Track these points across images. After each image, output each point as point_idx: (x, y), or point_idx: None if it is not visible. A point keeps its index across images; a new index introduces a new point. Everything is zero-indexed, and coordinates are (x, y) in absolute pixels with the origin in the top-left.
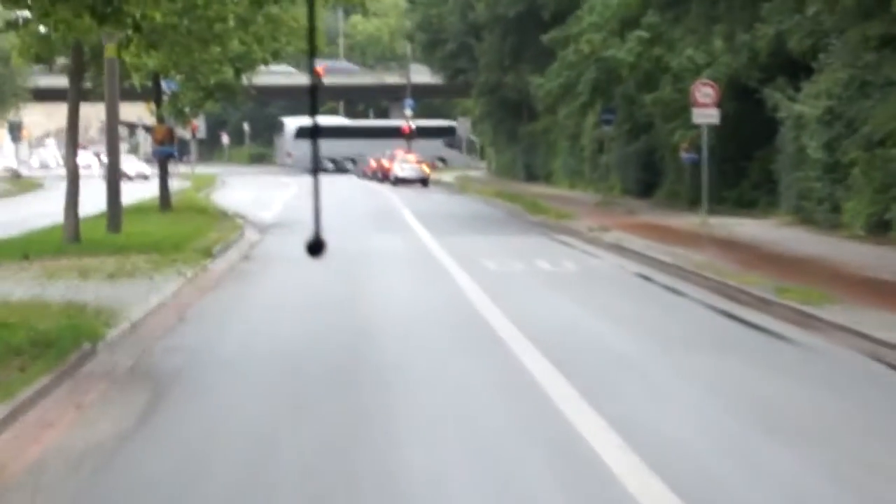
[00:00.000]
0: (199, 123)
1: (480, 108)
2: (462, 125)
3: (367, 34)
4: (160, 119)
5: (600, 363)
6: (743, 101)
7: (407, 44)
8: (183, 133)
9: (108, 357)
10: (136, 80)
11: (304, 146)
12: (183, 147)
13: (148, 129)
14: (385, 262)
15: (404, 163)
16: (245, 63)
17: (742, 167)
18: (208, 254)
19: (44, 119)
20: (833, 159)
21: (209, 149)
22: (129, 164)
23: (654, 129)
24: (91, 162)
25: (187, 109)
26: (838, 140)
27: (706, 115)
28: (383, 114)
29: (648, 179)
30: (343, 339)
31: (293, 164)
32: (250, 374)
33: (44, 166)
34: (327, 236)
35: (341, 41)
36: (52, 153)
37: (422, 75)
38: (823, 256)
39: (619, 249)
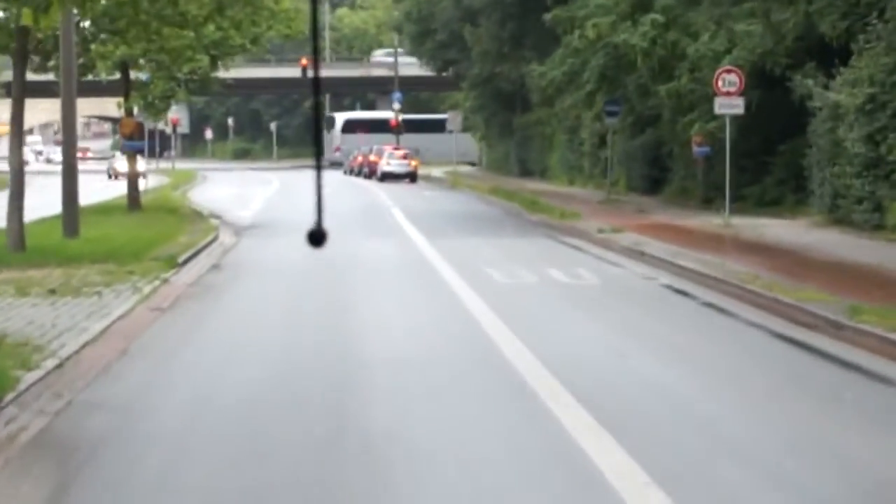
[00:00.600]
0: (182, 118)
1: (472, 100)
2: (452, 119)
3: (354, 27)
4: (128, 112)
5: (660, 420)
6: (767, 90)
7: (394, 36)
8: (163, 128)
9: (14, 414)
10: (102, 70)
11: (352, 140)
12: (164, 142)
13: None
14: (375, 274)
15: (392, 157)
16: (222, 50)
17: (764, 162)
18: (172, 263)
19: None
20: (875, 153)
21: (193, 144)
22: (121, 162)
23: (662, 121)
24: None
25: (157, 102)
26: (882, 132)
27: (730, 104)
28: (370, 107)
29: (655, 175)
30: (324, 393)
31: (341, 158)
32: (196, 451)
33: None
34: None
35: (327, 34)
36: (32, 149)
37: (410, 68)
38: (880, 265)
39: (638, 255)
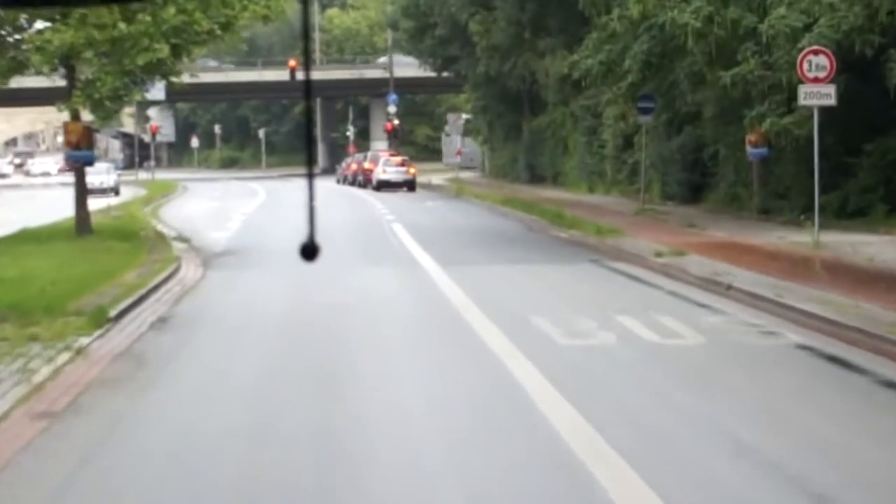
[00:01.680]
0: (167, 126)
1: (475, 101)
2: (453, 122)
3: (345, 28)
4: (74, 115)
5: None
6: (855, 76)
7: (388, 37)
8: (142, 136)
9: None
10: (38, 63)
11: (473, 143)
12: (143, 151)
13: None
14: (380, 327)
15: (388, 165)
16: (186, 38)
17: (845, 164)
18: (100, 319)
19: (5, 125)
20: None
21: (179, 153)
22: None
23: (703, 119)
24: (48, 168)
25: (107, 102)
26: None
27: (818, 93)
28: (364, 111)
29: (696, 181)
30: None
31: (461, 162)
32: None
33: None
34: (295, 269)
35: (317, 36)
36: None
37: (406, 69)
38: None
39: (723, 291)
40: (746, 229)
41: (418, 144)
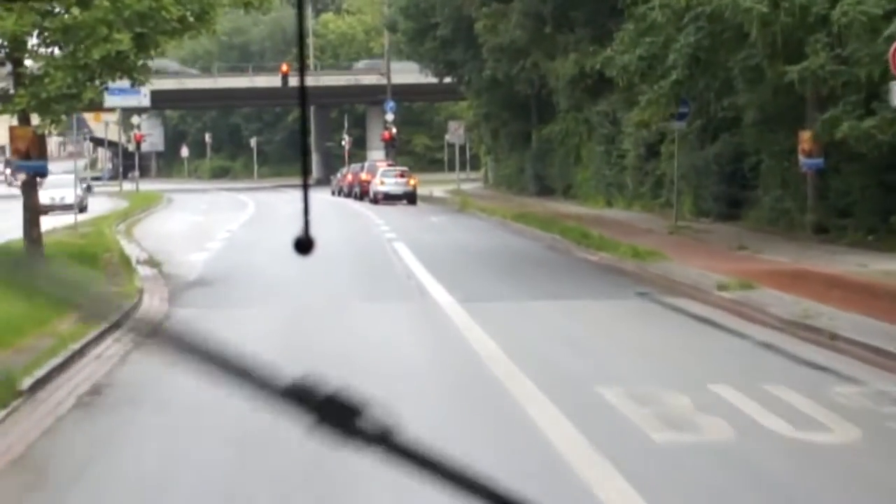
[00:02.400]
0: (157, 134)
1: (477, 108)
2: (454, 131)
3: (340, 33)
4: (23, 118)
5: None
6: None
7: (385, 41)
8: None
9: None
10: None
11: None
12: (131, 161)
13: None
14: (393, 402)
15: (387, 176)
16: (153, 27)
17: None
18: (7, 392)
19: None
20: None
21: (169, 163)
22: (55, 189)
23: (742, 125)
24: None
25: (55, 103)
26: None
27: None
28: (360, 120)
29: (735, 195)
30: None
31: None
32: None
33: None
34: (281, 305)
35: (311, 41)
36: None
37: (404, 75)
38: None
39: (823, 339)
40: (810, 253)
41: (416, 154)
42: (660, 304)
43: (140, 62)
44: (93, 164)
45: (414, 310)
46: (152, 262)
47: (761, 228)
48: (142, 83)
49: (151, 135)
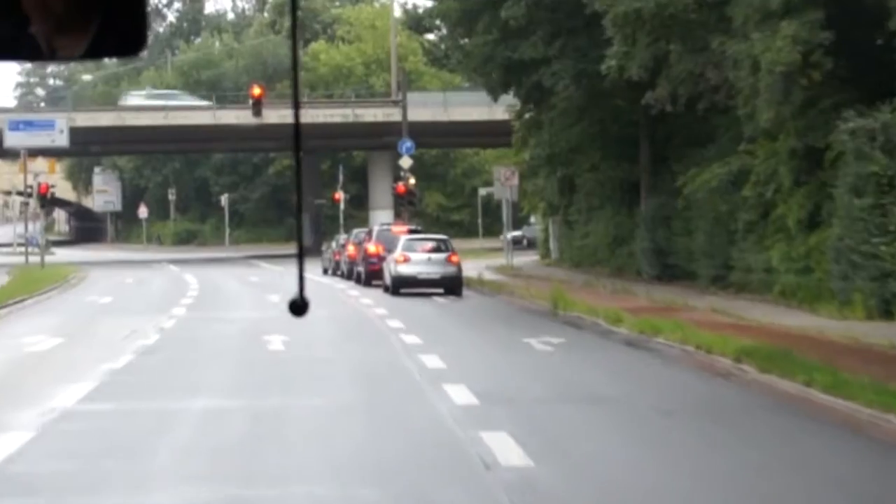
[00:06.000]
0: (113, 190)
1: (538, 148)
2: (506, 178)
3: (334, 66)
4: None
5: None
6: None
7: (393, 60)
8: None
9: None
10: None
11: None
12: (89, 223)
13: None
14: None
15: (411, 248)
16: None
17: None
18: None
19: None
20: None
21: (128, 226)
22: None
23: None
24: None
25: None
26: None
27: None
28: (358, 173)
29: None
30: None
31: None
32: None
33: None
34: None
35: (300, 74)
36: None
37: (417, 109)
38: None
39: None
40: None
41: (427, 216)
42: None
43: None
44: (49, 226)
45: None
46: None
47: None
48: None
49: (106, 191)
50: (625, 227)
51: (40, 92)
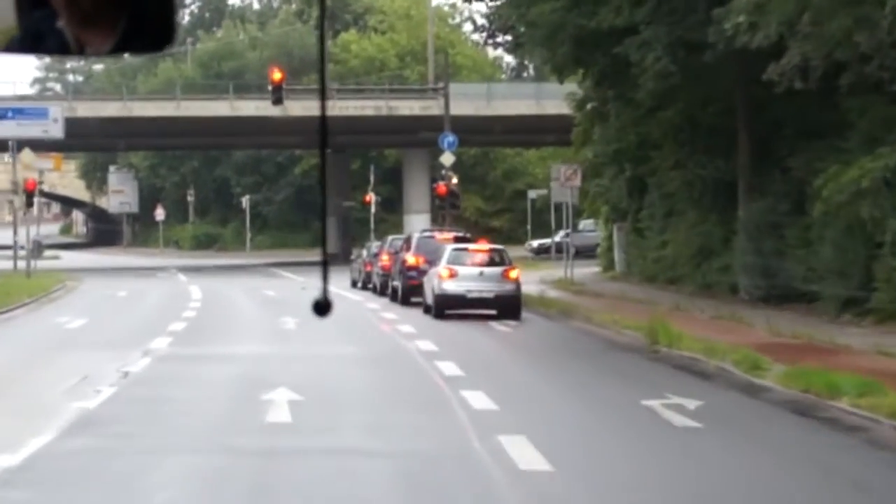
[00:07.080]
0: (129, 191)
1: (604, 143)
2: (567, 178)
3: (365, 57)
4: None
5: None
6: None
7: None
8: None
9: None
10: None
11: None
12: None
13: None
14: None
15: (458, 261)
16: None
17: None
18: None
19: None
20: None
21: (145, 228)
22: None
23: None
24: None
25: None
26: None
27: None
28: (390, 174)
29: None
30: None
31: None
32: None
33: None
34: None
35: (328, 66)
36: None
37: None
38: None
39: None
40: None
41: (465, 220)
42: None
43: None
44: (67, 228)
45: None
46: None
47: None
48: None
49: (122, 192)
50: (714, 236)
51: (58, 88)
